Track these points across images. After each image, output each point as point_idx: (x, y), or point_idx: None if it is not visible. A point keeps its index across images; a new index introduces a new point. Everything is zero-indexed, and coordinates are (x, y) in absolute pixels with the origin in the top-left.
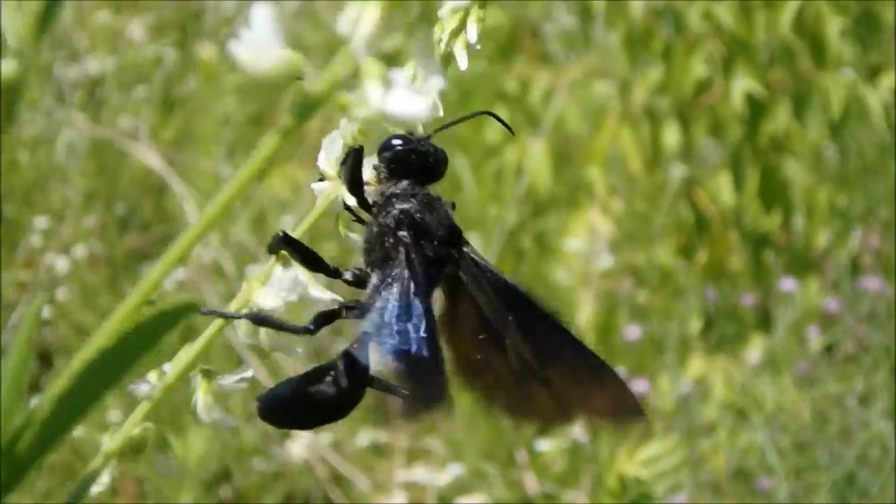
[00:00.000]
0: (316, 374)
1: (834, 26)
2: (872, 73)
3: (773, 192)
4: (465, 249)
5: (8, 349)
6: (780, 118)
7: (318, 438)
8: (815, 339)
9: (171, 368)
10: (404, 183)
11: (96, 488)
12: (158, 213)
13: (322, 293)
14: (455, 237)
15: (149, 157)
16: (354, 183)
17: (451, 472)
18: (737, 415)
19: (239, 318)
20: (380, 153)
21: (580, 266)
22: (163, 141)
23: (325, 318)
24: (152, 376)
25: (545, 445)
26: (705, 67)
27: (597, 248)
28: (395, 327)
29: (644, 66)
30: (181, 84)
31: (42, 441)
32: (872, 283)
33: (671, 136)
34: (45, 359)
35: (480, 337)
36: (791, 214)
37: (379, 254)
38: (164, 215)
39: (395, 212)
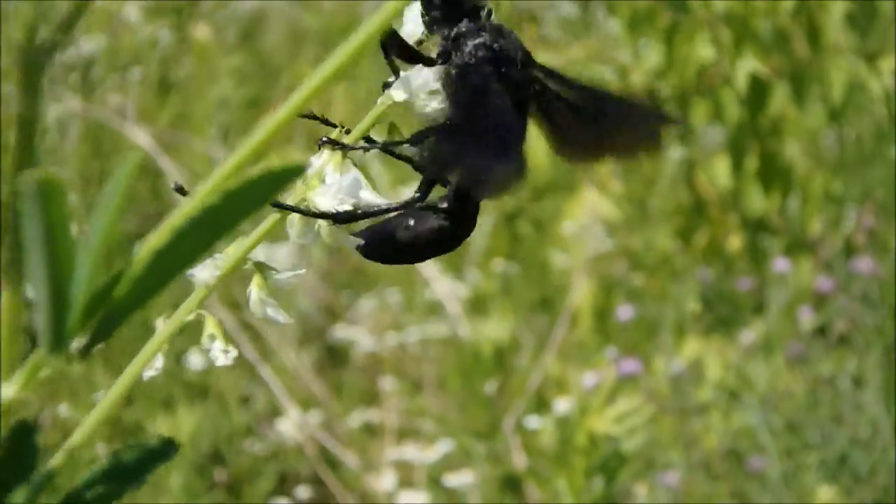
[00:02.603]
0: (428, 212)
1: (833, 13)
2: (870, 60)
3: (773, 176)
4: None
5: (102, 201)
6: (780, 102)
7: (309, 419)
8: (807, 319)
9: (223, 259)
10: (464, 22)
11: (149, 373)
12: (154, 196)
13: (376, 198)
14: (531, 57)
15: (137, 134)
16: (409, 50)
17: (440, 450)
18: (730, 396)
19: (320, 216)
20: (427, 6)
21: (577, 249)
22: (159, 123)
23: (429, 184)
24: (212, 260)
25: (535, 423)
26: (711, 49)
27: (594, 230)
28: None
29: (645, 48)
30: (177, 67)
31: (135, 295)
32: (865, 263)
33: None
34: (36, 342)
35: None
36: (788, 198)
37: (463, 95)
38: (159, 198)
39: (470, 48)
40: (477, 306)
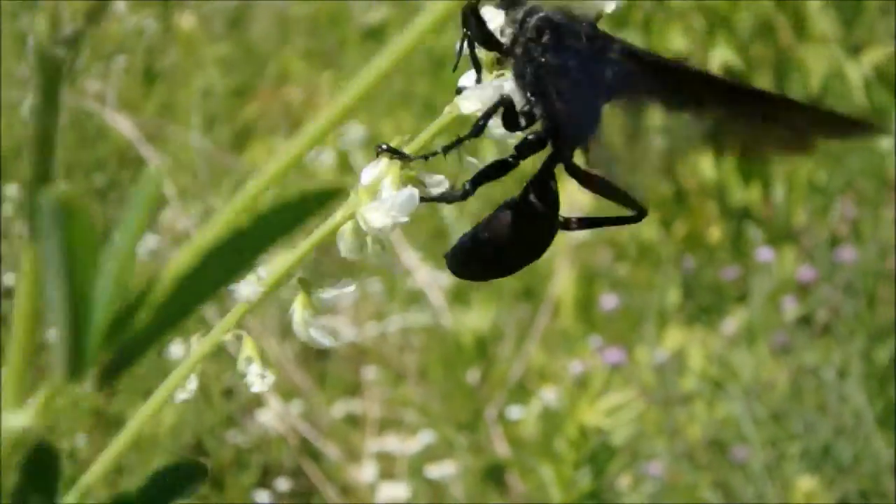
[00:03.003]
0: (504, 212)
1: (816, 2)
2: (856, 50)
3: (752, 166)
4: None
5: (123, 221)
6: None
7: (290, 410)
8: (791, 309)
9: (268, 274)
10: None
11: (182, 396)
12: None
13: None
14: (602, 34)
15: (119, 122)
16: (484, 29)
17: (422, 441)
18: (713, 386)
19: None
20: None
21: (559, 238)
22: (144, 112)
23: (483, 176)
24: (254, 277)
25: (517, 413)
26: (684, 39)
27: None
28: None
29: (623, 37)
30: (162, 56)
31: (159, 321)
32: (848, 253)
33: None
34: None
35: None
36: (770, 188)
37: (533, 81)
38: None
39: (533, 23)
40: (459, 295)
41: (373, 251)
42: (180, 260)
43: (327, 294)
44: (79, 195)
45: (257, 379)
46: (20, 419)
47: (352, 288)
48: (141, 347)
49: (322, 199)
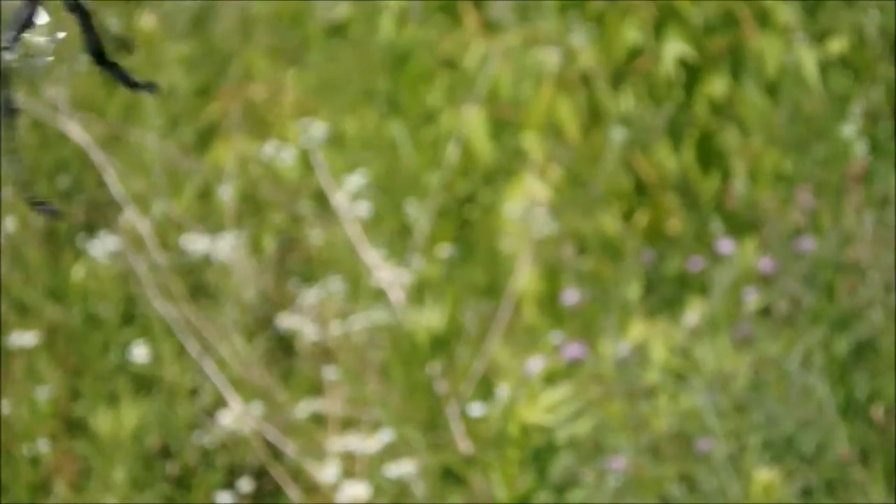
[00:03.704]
0: None
1: None
2: (820, 37)
3: (710, 157)
4: None
5: None
6: (717, 83)
7: (252, 410)
8: (751, 300)
9: None
10: None
11: None
12: (102, 187)
13: None
14: None
15: (72, 129)
16: None
17: (381, 440)
18: (676, 378)
19: None
20: None
21: (518, 232)
22: (107, 114)
23: None
24: None
25: (478, 410)
26: (639, 34)
27: (534, 213)
28: None
29: (580, 32)
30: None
31: None
32: (808, 243)
33: (610, 101)
34: None
35: None
36: (729, 178)
37: None
38: (105, 189)
39: None
40: (421, 293)
41: None
42: None
43: None
44: None
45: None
46: None
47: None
48: None
49: None
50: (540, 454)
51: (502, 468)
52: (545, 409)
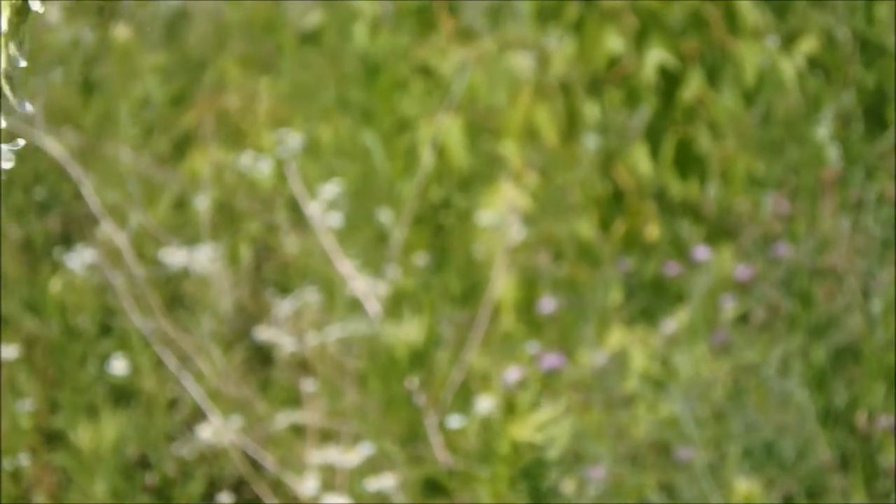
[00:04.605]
0: None
1: None
2: (789, 40)
3: (688, 162)
4: None
5: None
6: (694, 88)
7: (231, 423)
8: (729, 307)
9: None
10: None
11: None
12: (78, 199)
13: None
14: None
15: (46, 142)
16: None
17: (361, 453)
18: (655, 386)
19: None
20: None
21: (494, 240)
22: (82, 124)
23: None
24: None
25: (457, 422)
26: (619, 41)
27: (510, 221)
28: None
29: (557, 38)
30: (99, 66)
31: None
32: (783, 249)
33: (587, 108)
34: None
35: None
36: (706, 184)
37: None
38: (82, 201)
39: None
40: (397, 303)
41: None
42: None
43: None
44: None
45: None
46: None
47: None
48: None
49: None
50: (530, 471)
51: (491, 485)
52: (536, 427)
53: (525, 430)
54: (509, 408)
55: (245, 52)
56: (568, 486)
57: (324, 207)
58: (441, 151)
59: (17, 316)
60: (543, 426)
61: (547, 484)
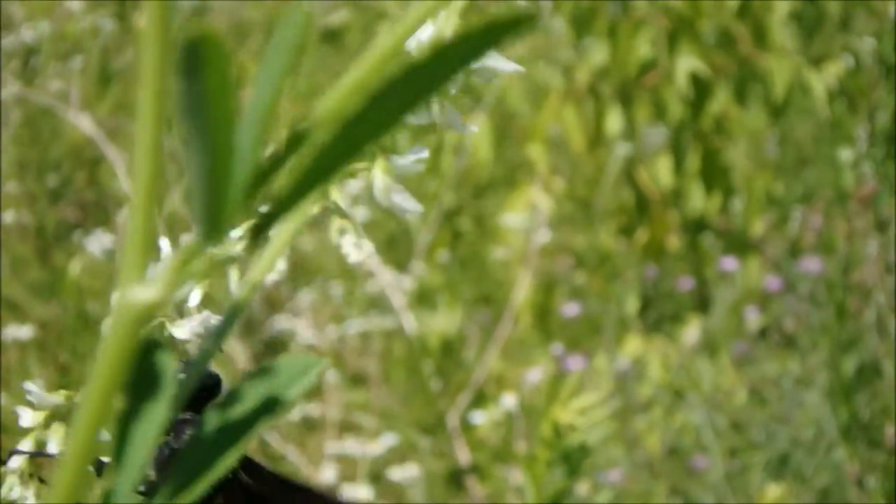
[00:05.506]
0: None
1: (778, 13)
2: (816, 63)
3: (714, 175)
4: None
5: (265, 64)
6: (722, 101)
7: None
8: (753, 319)
9: None
10: None
11: (273, 277)
12: (91, 186)
13: None
14: None
15: (80, 120)
16: None
17: (384, 444)
18: (673, 395)
19: None
20: None
21: (518, 243)
22: (100, 112)
23: None
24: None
25: (479, 418)
26: (650, 47)
27: (536, 224)
28: None
29: (589, 46)
30: (119, 56)
31: (313, 172)
32: (812, 263)
33: (614, 116)
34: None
35: None
36: (730, 198)
37: None
38: (97, 187)
39: None
40: (421, 299)
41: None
42: (336, 100)
43: (402, 160)
44: (218, 37)
45: (353, 249)
46: (147, 292)
47: (425, 154)
48: (290, 201)
49: (512, 28)
50: (571, 455)
51: (530, 468)
52: (579, 410)
53: (568, 413)
54: (552, 391)
55: (264, 48)
56: (582, 490)
57: (348, 202)
58: (469, 153)
59: (30, 299)
60: (587, 410)
61: (585, 468)
